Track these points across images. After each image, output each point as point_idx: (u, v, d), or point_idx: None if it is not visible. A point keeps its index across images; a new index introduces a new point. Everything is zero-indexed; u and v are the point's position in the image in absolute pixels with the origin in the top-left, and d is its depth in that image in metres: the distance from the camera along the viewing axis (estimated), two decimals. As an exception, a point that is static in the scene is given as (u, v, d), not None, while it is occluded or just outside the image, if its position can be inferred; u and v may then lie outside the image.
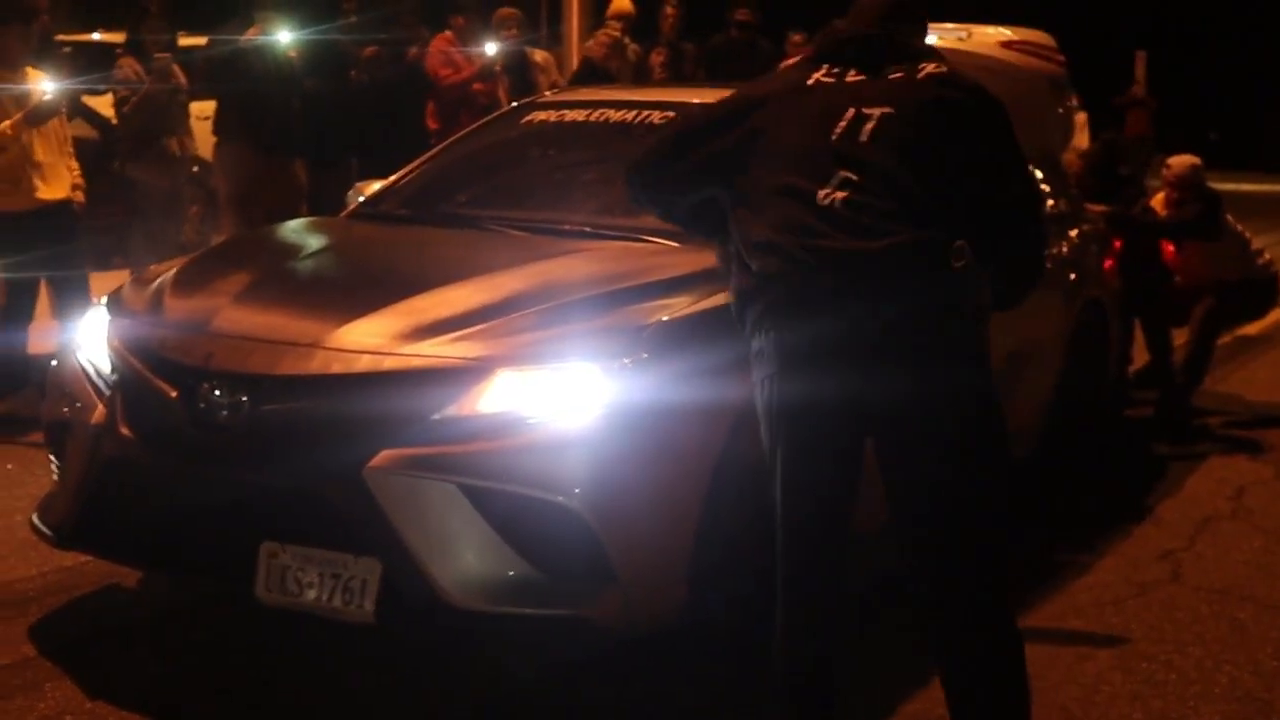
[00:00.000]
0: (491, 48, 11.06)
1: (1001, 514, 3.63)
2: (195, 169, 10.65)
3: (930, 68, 3.64)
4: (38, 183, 7.76)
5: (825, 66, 3.75)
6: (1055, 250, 7.06)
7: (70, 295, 7.84)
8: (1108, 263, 7.74)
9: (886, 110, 3.58)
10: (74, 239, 7.88)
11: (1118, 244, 8.05)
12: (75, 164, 8.08)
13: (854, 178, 3.53)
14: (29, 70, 7.93)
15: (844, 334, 3.49)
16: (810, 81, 3.74)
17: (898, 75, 3.64)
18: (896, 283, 3.48)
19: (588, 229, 5.38)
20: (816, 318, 3.51)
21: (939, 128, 3.56)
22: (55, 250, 7.72)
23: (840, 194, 3.53)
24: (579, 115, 6.25)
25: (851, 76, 3.69)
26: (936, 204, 3.52)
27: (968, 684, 3.65)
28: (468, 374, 4.27)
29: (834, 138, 3.59)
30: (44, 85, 7.81)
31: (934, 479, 3.56)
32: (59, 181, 7.88)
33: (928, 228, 3.50)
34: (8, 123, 7.65)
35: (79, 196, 7.99)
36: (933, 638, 3.68)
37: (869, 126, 3.57)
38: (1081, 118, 11.00)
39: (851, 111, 3.61)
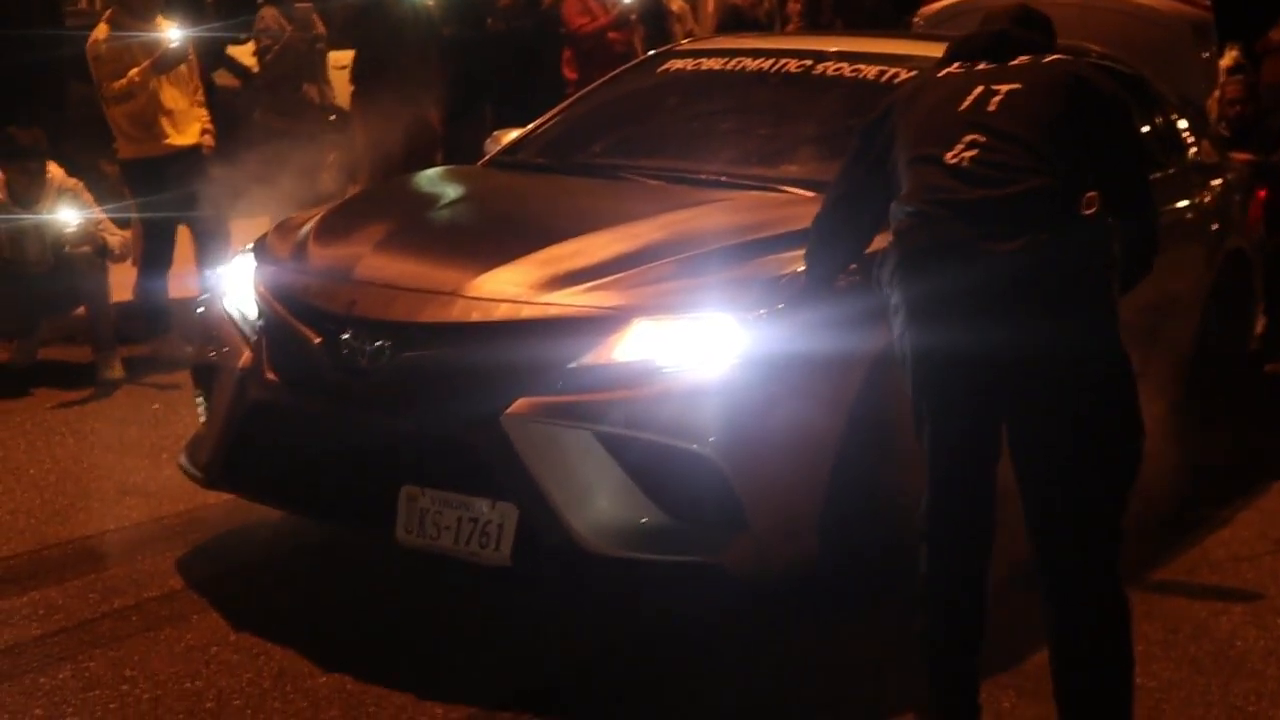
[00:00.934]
0: None
1: (1125, 476, 3.62)
2: (333, 118, 10.77)
3: (1056, 56, 3.78)
4: (168, 129, 7.98)
5: (956, 63, 3.87)
6: (1197, 199, 6.96)
7: (209, 240, 8.04)
8: (1252, 213, 7.61)
9: (1014, 86, 3.68)
10: (205, 184, 8.05)
11: (1262, 194, 7.88)
12: (205, 110, 8.26)
13: (981, 139, 3.60)
14: (159, 19, 8.10)
15: (975, 279, 3.51)
16: (941, 74, 3.87)
17: (1023, 61, 3.76)
18: (1026, 226, 3.49)
19: (724, 179, 5.39)
20: (947, 265, 3.55)
21: (1066, 102, 3.64)
22: (188, 195, 7.91)
23: (969, 153, 3.60)
24: (715, 64, 6.25)
25: (980, 67, 3.80)
26: (1064, 160, 3.57)
27: (1074, 650, 3.65)
28: (604, 323, 4.32)
29: (961, 109, 3.69)
30: (171, 33, 7.98)
31: (1058, 433, 3.56)
32: (189, 128, 8.08)
33: (1057, 177, 3.54)
34: (135, 70, 7.84)
35: (208, 141, 8.18)
36: (1043, 598, 3.68)
37: (996, 99, 3.67)
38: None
39: (980, 89, 3.71)
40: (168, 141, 8.01)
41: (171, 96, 8.04)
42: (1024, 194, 3.51)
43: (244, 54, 11.14)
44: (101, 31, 8.04)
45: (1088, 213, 3.51)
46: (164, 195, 7.92)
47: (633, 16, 11.00)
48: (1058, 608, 3.65)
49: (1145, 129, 6.86)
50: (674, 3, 12.28)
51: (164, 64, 7.90)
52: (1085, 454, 3.55)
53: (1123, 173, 3.69)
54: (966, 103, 3.68)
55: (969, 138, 3.61)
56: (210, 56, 9.92)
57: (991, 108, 3.65)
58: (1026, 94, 3.65)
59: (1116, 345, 3.59)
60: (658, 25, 11.60)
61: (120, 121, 8.07)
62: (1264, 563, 5.34)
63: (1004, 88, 3.67)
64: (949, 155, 3.61)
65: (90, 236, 7.45)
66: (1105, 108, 3.69)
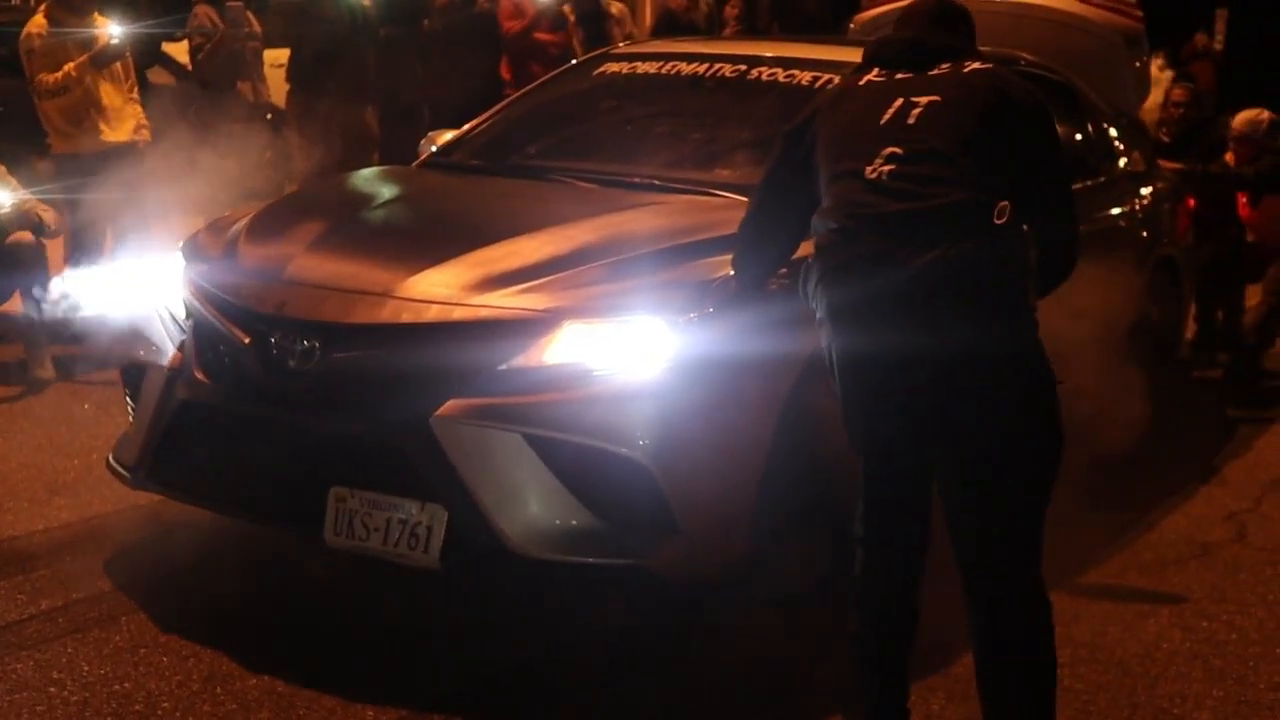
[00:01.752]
0: None
1: (1045, 481, 3.64)
2: (269, 116, 10.71)
3: (976, 65, 3.76)
4: (102, 125, 7.92)
5: (875, 69, 3.86)
6: (1127, 207, 7.03)
7: (130, 237, 7.97)
8: (1181, 221, 7.69)
9: (934, 98, 3.68)
10: (139, 180, 8.00)
11: (1191, 202, 7.99)
12: (140, 107, 8.21)
13: (900, 152, 3.62)
14: (96, 15, 8.05)
15: (895, 290, 3.53)
16: (861, 83, 3.86)
17: (943, 70, 3.75)
18: (944, 237, 3.52)
19: (657, 182, 5.38)
20: (868, 278, 3.57)
21: (984, 113, 3.64)
22: (122, 191, 7.86)
23: (887, 167, 3.61)
24: (651, 68, 6.26)
25: (899, 75, 3.80)
26: (983, 171, 3.58)
27: (998, 655, 3.68)
28: (535, 325, 4.32)
29: (882, 123, 3.69)
30: (110, 29, 7.93)
31: (979, 440, 3.58)
32: (124, 124, 8.02)
33: (975, 189, 3.56)
34: (71, 65, 7.79)
35: (144, 136, 8.12)
36: (967, 604, 3.70)
37: (916, 111, 3.67)
38: (1167, 74, 10.83)
39: (899, 101, 3.71)
40: (102, 138, 7.94)
41: (106, 92, 8.00)
42: (942, 207, 3.53)
43: (179, 51, 11.08)
44: (36, 25, 7.97)
45: (1000, 222, 3.52)
46: (98, 191, 7.86)
47: (570, 18, 10.99)
48: (982, 613, 3.67)
49: (1077, 137, 6.94)
50: (613, 6, 12.31)
51: (102, 59, 7.86)
52: (1006, 460, 3.57)
53: (1043, 182, 3.70)
54: (886, 116, 3.69)
55: (888, 151, 3.63)
56: (146, 54, 9.86)
57: (911, 120, 3.66)
58: (945, 106, 3.65)
59: (1036, 352, 3.61)
60: (597, 28, 11.61)
61: (53, 117, 8.02)
62: (1190, 566, 5.41)
63: (923, 100, 3.68)
64: (869, 170, 3.63)
65: (25, 216, 7.40)
66: (1026, 118, 3.69)
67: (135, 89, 8.26)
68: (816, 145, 3.80)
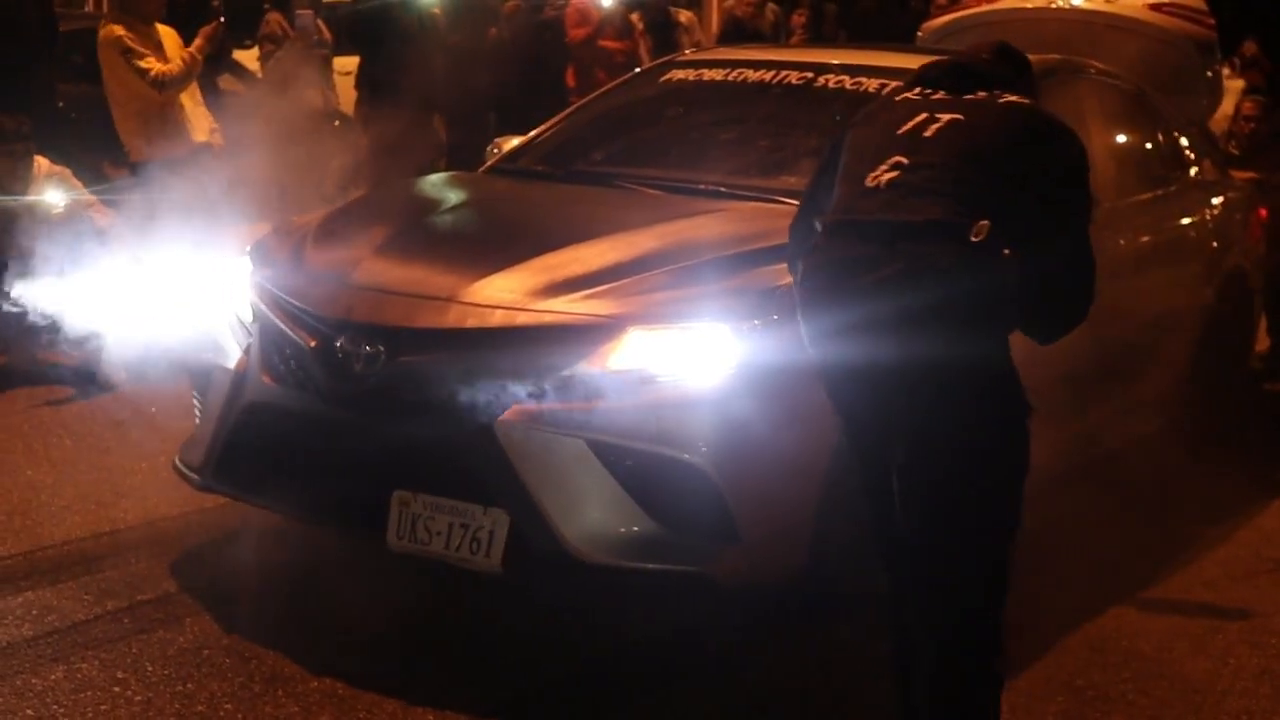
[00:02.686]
0: (606, 2, 11.06)
1: (995, 506, 3.57)
2: (338, 123, 10.80)
3: (1014, 98, 3.72)
4: (188, 127, 7.99)
5: (918, 89, 3.86)
6: (1197, 217, 6.96)
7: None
8: (1253, 231, 7.61)
9: (956, 117, 3.65)
10: (215, 181, 8.06)
11: (1263, 213, 7.89)
12: (207, 110, 8.29)
13: (905, 161, 3.60)
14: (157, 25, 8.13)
15: (858, 295, 3.53)
16: (899, 99, 3.86)
17: (979, 96, 3.73)
18: (911, 248, 3.49)
19: (722, 189, 5.38)
20: (841, 283, 3.58)
21: (999, 138, 3.61)
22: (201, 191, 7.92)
23: (889, 175, 3.60)
24: (717, 75, 6.26)
25: (935, 96, 3.79)
26: (973, 191, 3.53)
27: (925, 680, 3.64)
28: (600, 331, 4.32)
29: (900, 132, 3.68)
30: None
31: (929, 463, 3.54)
32: (199, 126, 8.11)
33: (955, 206, 3.50)
34: (186, 51, 7.87)
35: (218, 140, 8.19)
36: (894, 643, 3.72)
37: (935, 126, 3.65)
38: (1238, 84, 10.72)
39: (923, 115, 3.70)
40: (194, 138, 8.03)
41: (188, 96, 8.08)
42: (921, 220, 3.50)
43: (249, 58, 11.20)
44: (116, 29, 7.98)
45: (976, 239, 3.45)
46: (177, 194, 7.91)
47: (639, 26, 11.03)
48: (919, 640, 3.65)
49: (1147, 145, 6.89)
50: (681, 14, 12.35)
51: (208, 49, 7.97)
52: (953, 481, 3.52)
53: (1057, 218, 3.61)
54: (907, 127, 3.68)
55: (894, 159, 3.62)
56: (217, 60, 9.96)
57: (927, 134, 3.64)
58: (964, 125, 3.63)
59: (1001, 375, 3.57)
60: (664, 35, 11.65)
61: (137, 121, 8.03)
62: (1260, 582, 5.35)
63: (945, 116, 3.66)
64: (871, 176, 3.63)
65: (77, 218, 7.47)
66: (1047, 154, 3.62)
67: (198, 93, 8.32)
68: (843, 152, 3.82)
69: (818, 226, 3.75)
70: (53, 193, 7.47)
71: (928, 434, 3.52)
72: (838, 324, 3.60)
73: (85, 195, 7.62)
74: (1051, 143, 3.66)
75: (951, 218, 3.50)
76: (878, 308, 3.49)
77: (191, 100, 8.17)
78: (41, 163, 7.57)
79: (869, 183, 3.63)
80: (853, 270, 3.57)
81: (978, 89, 3.77)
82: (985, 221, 3.47)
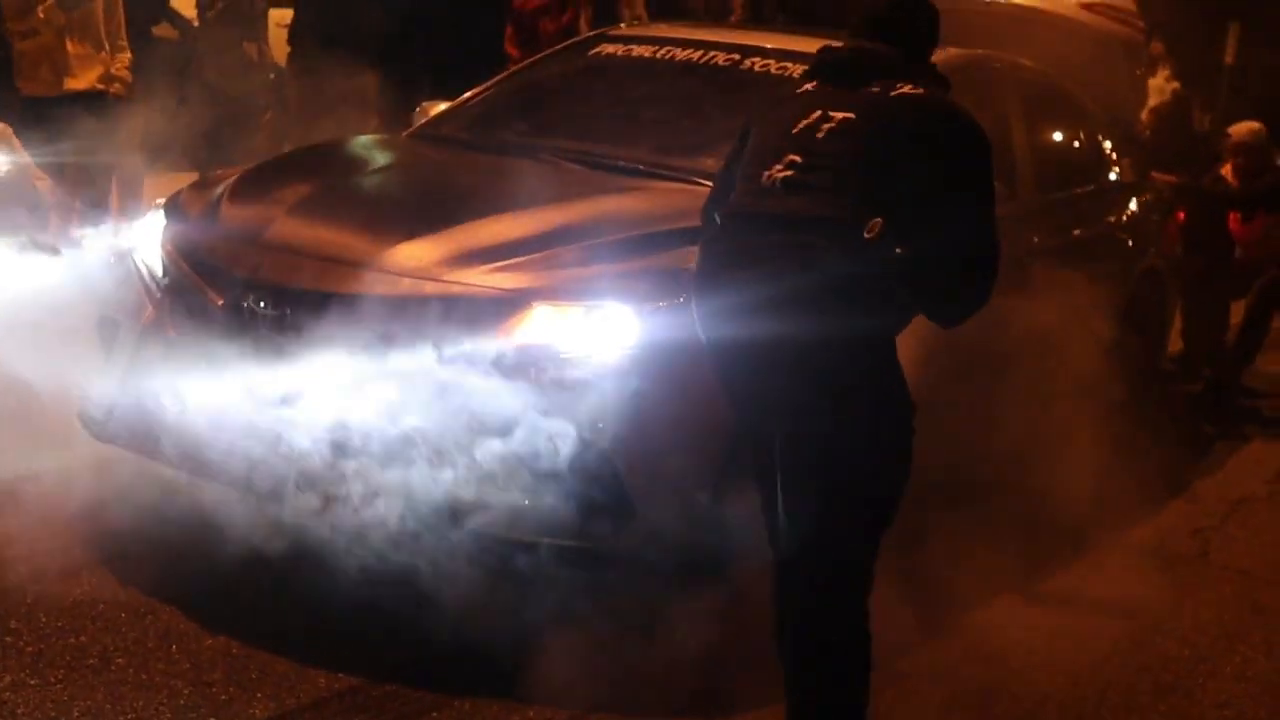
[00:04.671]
0: None
1: (867, 501, 3.65)
2: (271, 76, 10.73)
3: (906, 88, 3.72)
4: (61, 73, 7.87)
5: (815, 81, 3.90)
6: (1115, 217, 7.05)
7: (99, 188, 7.93)
8: (1169, 232, 7.71)
9: (849, 115, 3.69)
10: (110, 130, 7.95)
11: (1181, 215, 7.99)
12: (122, 56, 8.15)
13: (799, 159, 3.66)
14: None
15: (747, 287, 3.61)
16: (798, 92, 3.90)
17: (873, 90, 3.74)
18: (802, 244, 3.56)
19: (642, 167, 5.39)
20: (729, 270, 3.68)
21: (891, 136, 3.64)
22: (86, 141, 7.82)
23: (783, 173, 3.67)
24: (646, 51, 6.27)
25: (830, 89, 3.81)
26: (865, 192, 3.57)
27: (799, 666, 3.75)
28: (505, 305, 4.34)
29: (795, 130, 3.73)
30: None
31: (812, 457, 3.62)
32: (87, 73, 7.97)
33: (848, 206, 3.56)
34: (40, 6, 7.75)
35: (117, 88, 8.07)
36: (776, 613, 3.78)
37: (828, 126, 3.69)
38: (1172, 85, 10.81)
39: (817, 113, 3.74)
40: (64, 85, 7.91)
41: (74, 41, 7.95)
42: (813, 217, 3.57)
43: (186, 6, 11.09)
44: None
45: (869, 236, 3.51)
46: (58, 141, 7.82)
47: None
48: (790, 631, 3.74)
49: (1074, 144, 6.96)
50: (624, -14, 12.28)
51: (68, 2, 7.82)
52: (826, 473, 3.60)
53: (953, 210, 3.62)
54: (800, 125, 3.72)
55: (789, 158, 3.68)
56: (152, 8, 9.86)
57: (820, 134, 3.68)
58: (856, 124, 3.66)
59: (884, 371, 3.63)
60: (606, 7, 11.59)
61: (21, 60, 7.96)
62: (1152, 580, 5.43)
63: (839, 115, 3.69)
64: (766, 174, 3.69)
65: (21, 190, 7.37)
66: (941, 146, 3.64)
67: (120, 37, 8.19)
68: (745, 145, 3.88)
69: (716, 218, 3.82)
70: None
71: (804, 417, 3.59)
72: (728, 309, 3.67)
73: (28, 160, 7.50)
74: (946, 134, 3.67)
75: (843, 215, 3.55)
76: (767, 296, 3.55)
77: (89, 44, 8.02)
78: None
79: (764, 180, 3.70)
80: (745, 261, 3.64)
81: (872, 79, 3.77)
82: (879, 219, 3.52)
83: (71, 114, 7.86)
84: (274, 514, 4.53)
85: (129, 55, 8.24)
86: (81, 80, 7.99)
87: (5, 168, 7.32)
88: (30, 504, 5.18)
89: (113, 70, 8.09)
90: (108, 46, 8.11)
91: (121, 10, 8.31)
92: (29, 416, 6.05)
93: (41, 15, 7.76)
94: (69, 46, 7.91)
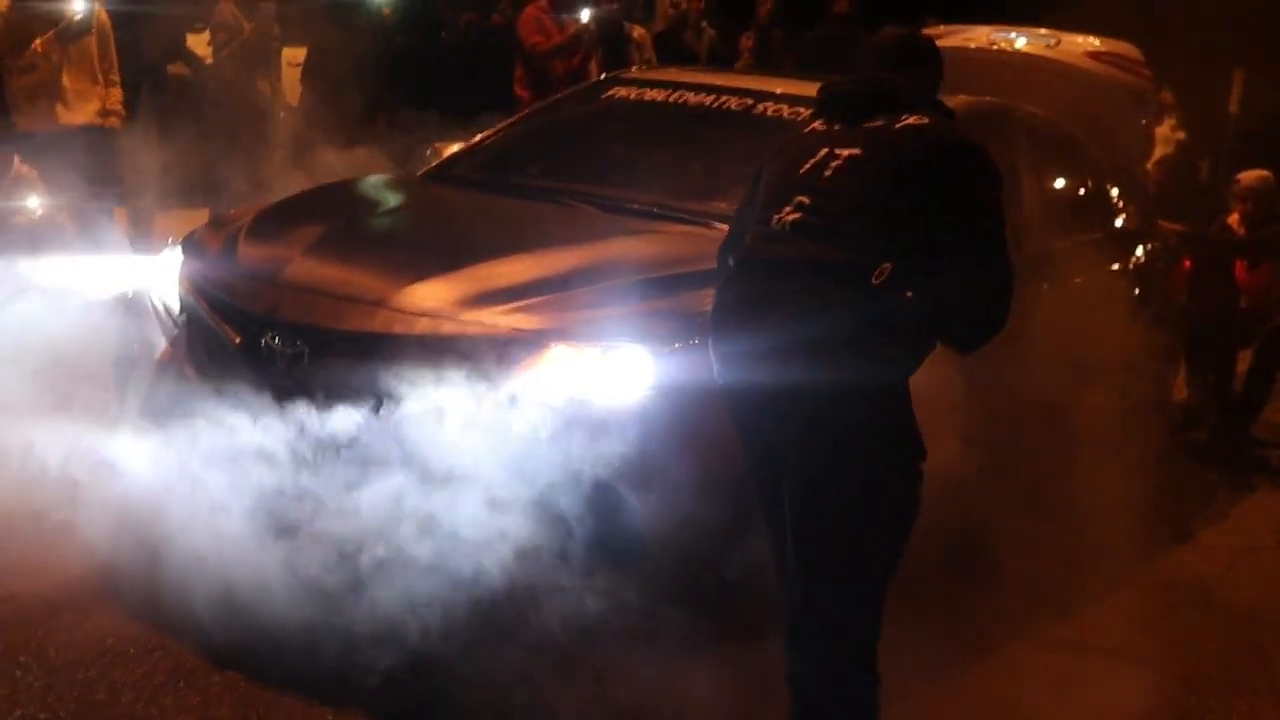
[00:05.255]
0: (585, 15, 11.10)
1: (876, 547, 3.67)
2: (282, 114, 10.78)
3: (911, 120, 3.74)
4: (58, 107, 7.91)
5: (820, 119, 3.93)
6: (1121, 264, 7.08)
7: (103, 225, 7.96)
8: (1175, 281, 7.73)
9: (854, 152, 3.72)
10: (106, 164, 7.97)
11: (1188, 263, 8.02)
12: (115, 91, 8.18)
13: (807, 201, 3.70)
14: None
15: (759, 332, 3.65)
16: (806, 131, 3.93)
17: (876, 124, 3.77)
18: (811, 289, 3.60)
19: (655, 209, 5.43)
20: (741, 316, 3.71)
21: (898, 171, 3.65)
22: (89, 176, 7.85)
23: (792, 216, 3.71)
24: (658, 95, 6.32)
25: (836, 126, 3.85)
26: (874, 232, 3.60)
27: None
28: (522, 345, 4.37)
29: (801, 171, 3.77)
30: (75, 4, 7.93)
31: (816, 498, 3.65)
32: (84, 107, 8.01)
33: (857, 248, 3.59)
34: (38, 41, 7.79)
35: (112, 122, 8.10)
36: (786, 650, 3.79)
37: (835, 164, 3.73)
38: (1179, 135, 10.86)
39: (824, 151, 3.77)
40: (59, 120, 7.95)
41: (70, 73, 7.99)
42: (822, 262, 3.60)
43: (198, 43, 11.14)
44: (2, 3, 7.96)
45: (877, 283, 3.55)
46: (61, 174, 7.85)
47: (585, 37, 11.04)
48: (794, 682, 3.75)
49: (1080, 191, 7.00)
50: (635, 30, 12.38)
51: (68, 35, 7.86)
52: (836, 519, 3.62)
53: (964, 237, 3.65)
54: (807, 165, 3.76)
55: (797, 199, 3.71)
56: (168, 46, 9.91)
57: (827, 172, 3.72)
58: (862, 162, 3.69)
59: (895, 417, 3.65)
60: (617, 50, 11.68)
61: (16, 95, 8.00)
62: (1157, 626, 5.41)
63: (845, 153, 3.72)
64: (776, 217, 3.73)
65: (54, 226, 7.40)
66: (947, 175, 3.65)
67: (114, 70, 8.24)
68: (758, 187, 3.92)
69: (729, 262, 3.85)
70: (29, 196, 7.37)
71: (815, 463, 3.61)
72: (741, 353, 3.71)
73: (56, 200, 7.52)
74: (952, 162, 3.68)
75: (851, 259, 3.57)
76: (779, 341, 3.58)
77: (86, 78, 8.07)
78: (17, 165, 7.49)
79: (774, 224, 3.73)
80: (757, 305, 3.67)
81: (877, 112, 3.80)
82: (887, 264, 3.55)
83: (70, 148, 7.89)
84: (285, 552, 4.54)
85: (120, 90, 8.27)
86: (79, 114, 8.04)
87: (39, 210, 7.35)
88: (40, 539, 5.20)
89: (108, 105, 8.13)
90: (102, 81, 8.15)
91: (113, 45, 8.35)
92: (41, 452, 6.08)
93: (39, 49, 7.80)
94: (66, 81, 7.95)
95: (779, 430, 3.68)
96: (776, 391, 3.63)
